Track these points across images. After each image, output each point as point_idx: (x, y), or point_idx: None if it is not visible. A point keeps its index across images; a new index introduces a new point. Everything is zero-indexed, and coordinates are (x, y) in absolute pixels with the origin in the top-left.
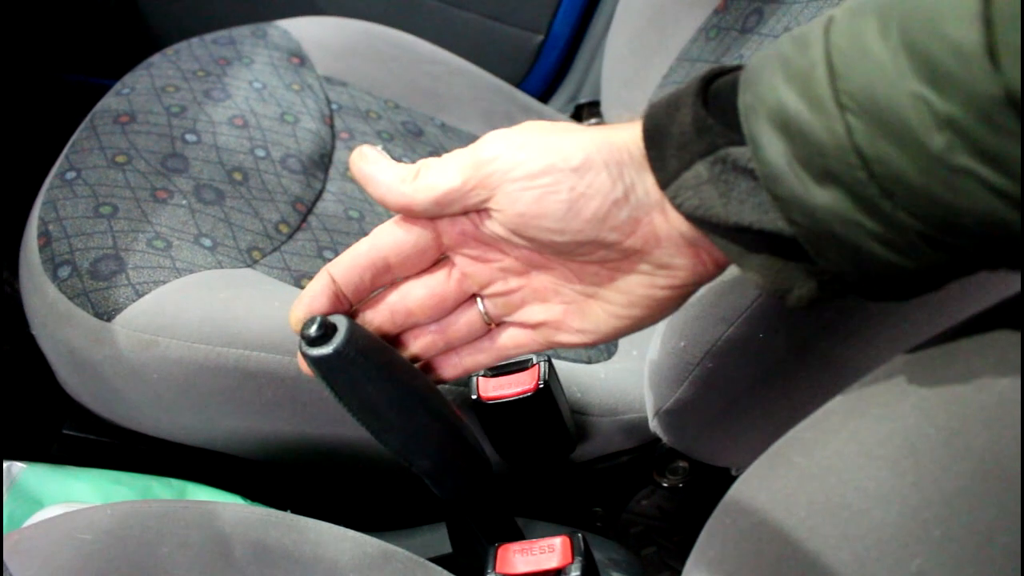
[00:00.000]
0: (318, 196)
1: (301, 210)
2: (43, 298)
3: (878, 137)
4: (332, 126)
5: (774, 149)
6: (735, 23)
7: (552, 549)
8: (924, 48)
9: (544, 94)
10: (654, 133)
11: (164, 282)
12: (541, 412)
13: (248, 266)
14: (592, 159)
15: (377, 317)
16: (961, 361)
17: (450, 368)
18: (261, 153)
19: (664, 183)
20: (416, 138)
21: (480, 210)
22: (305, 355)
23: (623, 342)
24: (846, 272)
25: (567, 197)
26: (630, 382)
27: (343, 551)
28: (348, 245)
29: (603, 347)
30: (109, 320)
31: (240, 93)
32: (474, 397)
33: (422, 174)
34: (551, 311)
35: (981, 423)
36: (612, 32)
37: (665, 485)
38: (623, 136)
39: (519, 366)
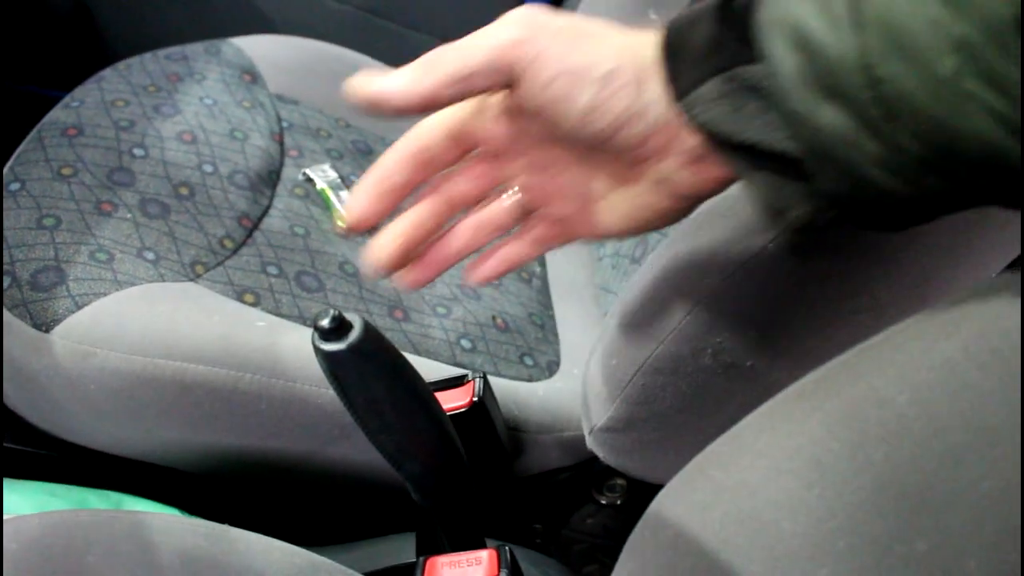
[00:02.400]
0: (264, 212)
1: (247, 225)
2: None
3: (891, 57)
4: (282, 143)
5: (787, 65)
6: None
7: (479, 561)
8: None
9: None
10: (673, 46)
11: (104, 294)
12: (475, 427)
13: (191, 280)
14: (621, 69)
15: (425, 209)
16: (864, 379)
17: (497, 265)
18: (209, 168)
19: (679, 96)
20: (366, 157)
21: (506, 87)
22: (317, 349)
23: (565, 361)
24: (842, 195)
25: (589, 102)
26: (568, 400)
27: (271, 562)
28: (293, 261)
29: (544, 366)
30: (47, 331)
31: (190, 109)
32: None
33: (438, 64)
34: (569, 207)
35: (880, 438)
36: None
37: (603, 502)
38: (650, 51)
39: (455, 382)
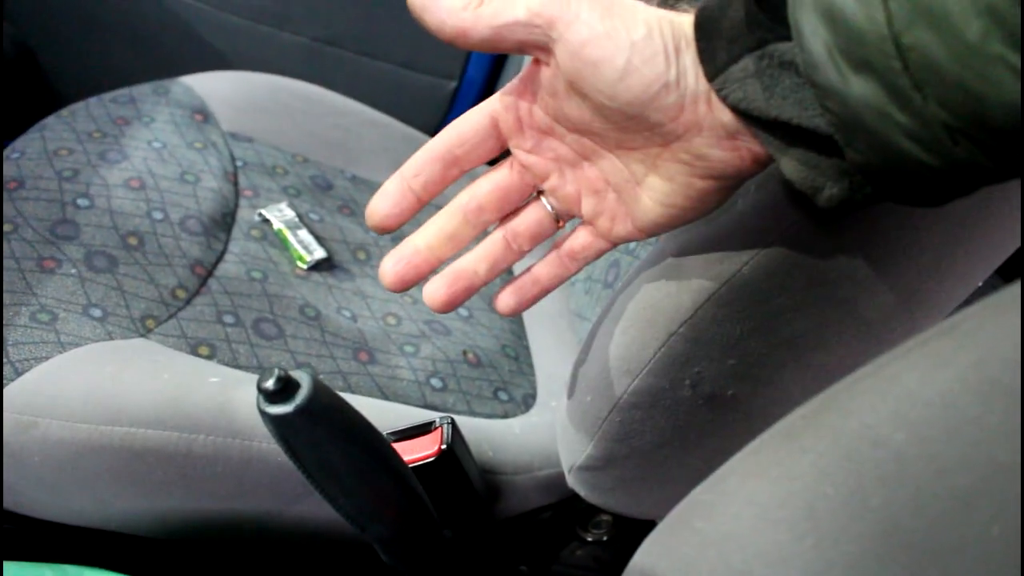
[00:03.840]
0: (219, 258)
1: (201, 273)
2: None
3: (917, 25)
4: (236, 184)
5: (817, 38)
6: None
7: None
8: None
9: None
10: (705, 24)
11: (46, 358)
12: (446, 476)
13: (141, 336)
14: (654, 37)
15: (452, 220)
16: (856, 417)
17: (531, 288)
18: (158, 215)
19: (711, 75)
20: (325, 192)
21: (538, 49)
22: (263, 412)
23: (542, 392)
24: (874, 168)
25: (623, 67)
26: (546, 435)
27: None
28: (250, 308)
29: (520, 400)
30: None
31: (138, 154)
32: None
33: (486, 2)
34: (604, 202)
35: (878, 481)
36: None
37: (589, 540)
38: (683, 20)
39: (421, 430)
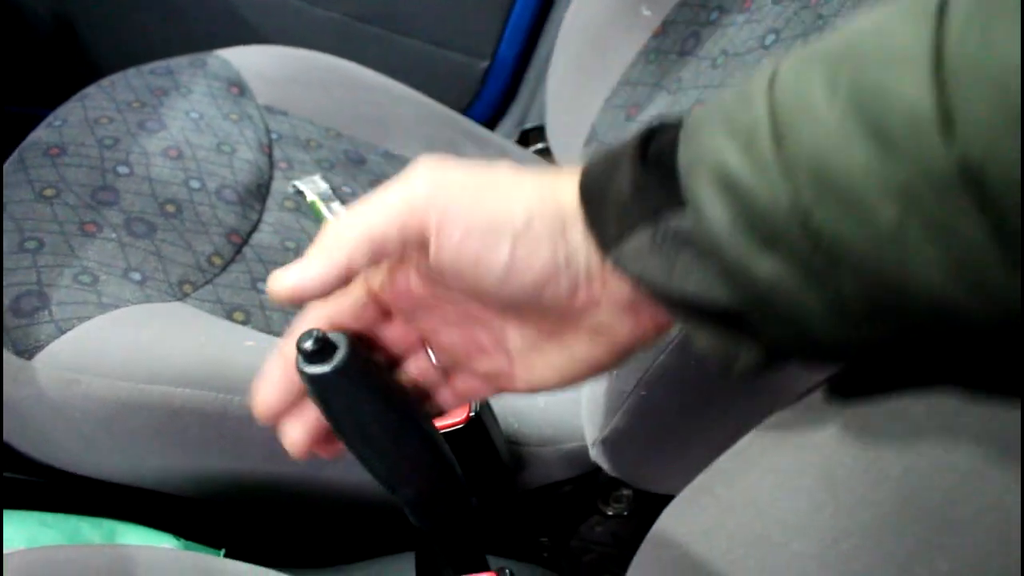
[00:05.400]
0: (254, 227)
1: (236, 241)
2: None
3: (826, 205)
4: (271, 156)
5: (716, 211)
6: (674, 47)
7: None
8: (874, 110)
9: (491, 120)
10: (592, 193)
11: (88, 318)
12: (472, 443)
13: (178, 300)
14: (536, 221)
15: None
16: None
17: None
18: (196, 184)
19: (605, 249)
20: (358, 166)
21: (422, 244)
22: (301, 372)
23: None
24: (788, 344)
25: (506, 260)
26: (570, 410)
27: None
28: None
29: None
30: (30, 358)
31: (176, 124)
32: None
33: (347, 236)
34: (497, 363)
35: (895, 452)
36: (554, 57)
37: (610, 514)
38: (569, 193)
39: None
